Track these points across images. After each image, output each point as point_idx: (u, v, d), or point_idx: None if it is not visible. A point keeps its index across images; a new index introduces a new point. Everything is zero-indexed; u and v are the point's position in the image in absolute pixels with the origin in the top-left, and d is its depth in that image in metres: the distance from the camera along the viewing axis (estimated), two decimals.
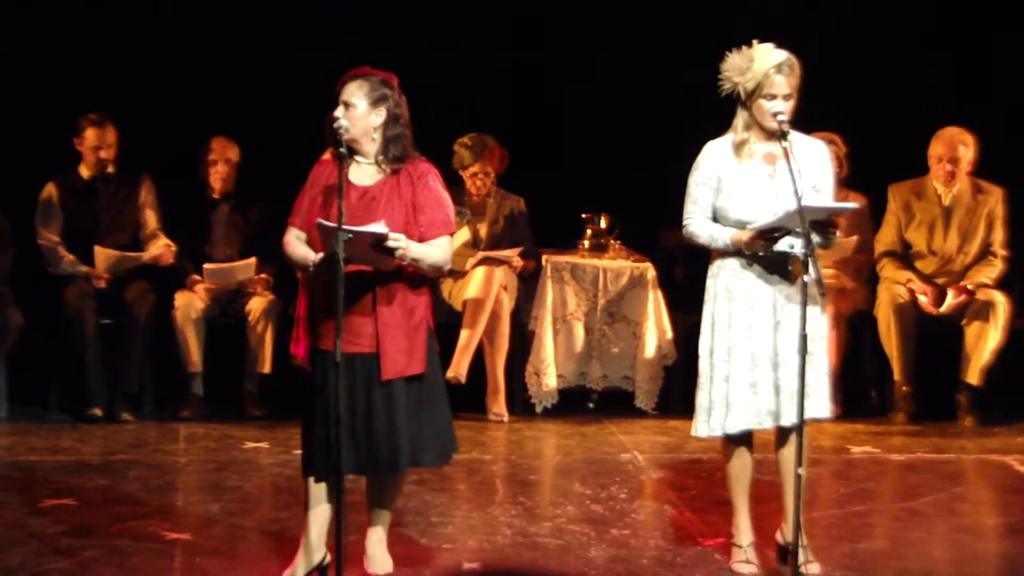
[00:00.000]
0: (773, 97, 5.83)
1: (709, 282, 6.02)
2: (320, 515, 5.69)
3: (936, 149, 8.85)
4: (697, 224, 5.97)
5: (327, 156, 5.69)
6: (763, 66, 5.82)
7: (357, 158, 5.62)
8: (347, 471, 5.53)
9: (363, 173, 5.62)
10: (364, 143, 5.60)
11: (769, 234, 5.77)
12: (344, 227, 5.36)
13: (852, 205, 6.02)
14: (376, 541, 5.84)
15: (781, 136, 5.80)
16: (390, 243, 5.42)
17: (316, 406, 5.60)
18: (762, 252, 5.85)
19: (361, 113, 5.56)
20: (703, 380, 5.98)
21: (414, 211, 5.59)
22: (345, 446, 5.49)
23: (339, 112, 5.55)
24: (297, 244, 5.64)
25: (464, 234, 8.87)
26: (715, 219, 5.96)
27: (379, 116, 5.59)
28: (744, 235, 5.84)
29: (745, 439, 6.03)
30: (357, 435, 5.56)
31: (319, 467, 5.62)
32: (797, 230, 5.71)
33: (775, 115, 5.81)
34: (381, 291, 5.57)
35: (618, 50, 9.72)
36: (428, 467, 6.08)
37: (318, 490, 5.67)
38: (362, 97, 5.56)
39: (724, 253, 5.94)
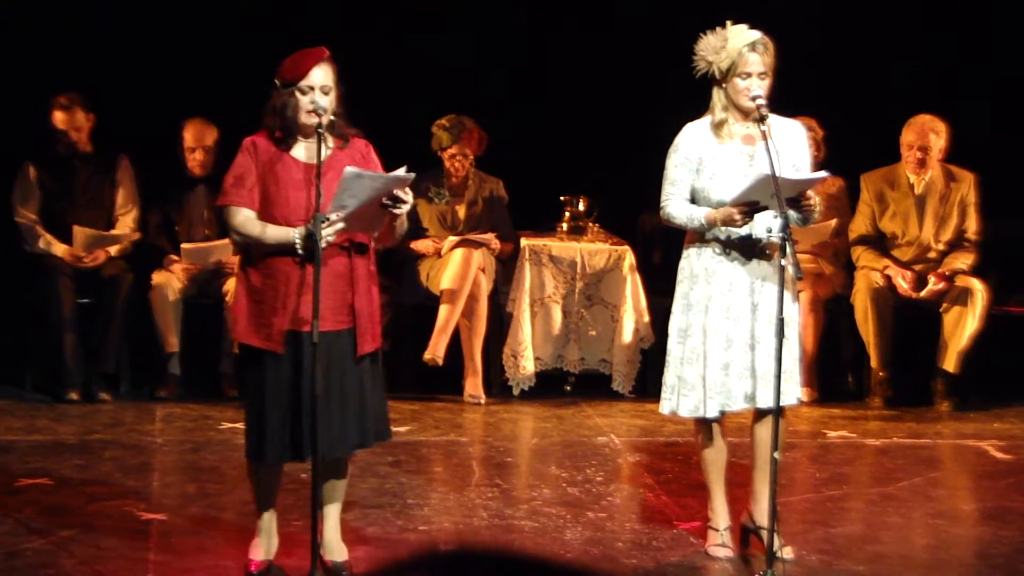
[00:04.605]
0: (748, 76, 5.84)
1: (681, 263, 6.04)
2: (273, 499, 5.71)
3: (907, 137, 8.82)
4: (674, 205, 5.97)
5: (260, 136, 5.63)
6: (737, 44, 5.84)
7: (301, 137, 5.60)
8: (323, 453, 5.49)
9: (310, 151, 5.58)
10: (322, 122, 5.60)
11: (745, 207, 5.76)
12: (374, 174, 5.42)
13: (823, 174, 5.95)
14: (331, 527, 5.73)
15: (760, 119, 5.81)
16: (404, 195, 5.44)
17: (279, 391, 5.52)
18: (739, 227, 5.84)
19: (333, 97, 5.57)
20: (666, 359, 6.07)
21: None
22: (323, 427, 5.47)
23: (319, 97, 5.52)
24: (264, 223, 5.54)
25: (434, 211, 8.88)
26: (693, 200, 5.96)
27: (336, 95, 5.61)
28: (719, 213, 5.84)
29: (715, 422, 6.03)
30: (332, 415, 5.53)
31: (278, 452, 5.56)
32: (771, 208, 5.71)
33: (753, 99, 5.83)
34: (357, 266, 5.58)
35: (599, 33, 9.71)
36: (373, 445, 5.82)
37: (271, 475, 5.68)
38: (332, 81, 5.57)
39: (696, 236, 5.96)
